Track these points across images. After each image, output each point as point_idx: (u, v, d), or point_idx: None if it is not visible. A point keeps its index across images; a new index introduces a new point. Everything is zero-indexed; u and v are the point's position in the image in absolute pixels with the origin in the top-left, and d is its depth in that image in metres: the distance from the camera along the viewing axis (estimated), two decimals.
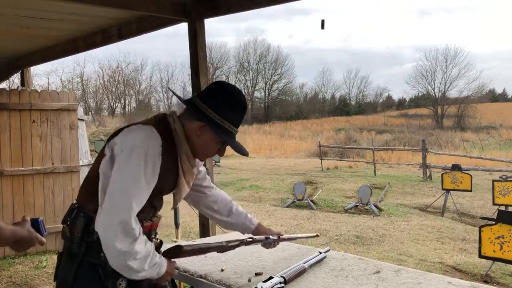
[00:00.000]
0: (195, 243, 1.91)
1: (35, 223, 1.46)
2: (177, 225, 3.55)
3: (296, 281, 1.88)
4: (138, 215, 1.53)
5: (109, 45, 4.82)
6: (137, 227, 1.49)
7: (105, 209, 1.47)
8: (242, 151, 1.72)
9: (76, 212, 1.63)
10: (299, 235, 2.32)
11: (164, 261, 1.63)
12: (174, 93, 1.89)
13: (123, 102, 49.38)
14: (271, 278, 1.79)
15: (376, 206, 9.32)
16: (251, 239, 1.97)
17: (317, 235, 2.45)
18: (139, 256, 1.48)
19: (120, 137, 1.60)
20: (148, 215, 1.71)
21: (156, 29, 4.04)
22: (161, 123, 1.66)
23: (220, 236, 2.85)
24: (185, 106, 1.75)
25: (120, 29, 4.33)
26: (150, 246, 1.55)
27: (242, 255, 2.29)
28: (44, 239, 1.46)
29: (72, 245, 1.60)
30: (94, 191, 1.58)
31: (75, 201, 1.70)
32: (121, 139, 1.58)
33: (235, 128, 1.71)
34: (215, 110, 1.65)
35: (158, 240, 1.82)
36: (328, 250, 2.27)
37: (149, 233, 1.71)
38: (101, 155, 1.63)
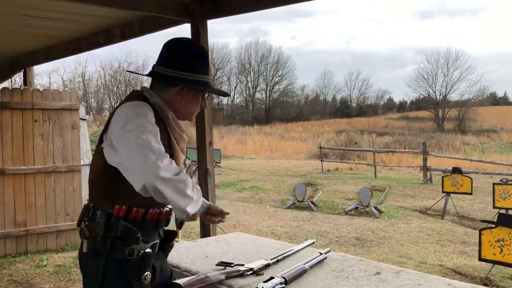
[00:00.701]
0: (193, 274, 1.93)
1: None
2: (178, 224, 3.54)
3: (297, 281, 1.89)
4: (145, 201, 1.56)
5: (112, 45, 4.84)
6: (173, 162, 1.52)
7: (139, 167, 1.46)
8: (222, 93, 1.85)
9: (92, 211, 1.62)
10: (296, 248, 2.32)
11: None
12: (133, 72, 1.91)
13: None
14: (272, 278, 1.80)
15: (376, 208, 9.32)
16: (250, 270, 1.97)
17: (313, 242, 2.47)
18: (190, 183, 1.52)
19: (114, 121, 1.58)
20: (157, 203, 1.62)
21: (158, 29, 4.05)
22: (142, 98, 1.65)
23: (220, 237, 2.86)
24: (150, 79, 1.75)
25: (123, 30, 4.35)
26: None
27: (244, 256, 2.30)
28: None
29: (96, 243, 1.59)
30: (105, 185, 1.60)
31: (87, 201, 1.71)
32: (117, 121, 1.56)
33: (207, 76, 1.73)
34: (184, 69, 1.67)
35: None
36: (329, 251, 2.28)
37: (157, 222, 1.68)
38: (98, 150, 1.62)
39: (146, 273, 1.60)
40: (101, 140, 1.63)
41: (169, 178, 1.46)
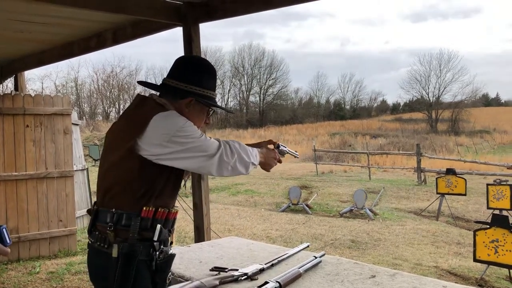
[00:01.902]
0: (186, 280, 1.94)
1: None
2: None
3: (291, 286, 1.87)
4: (167, 202, 1.71)
5: (104, 49, 4.81)
6: (220, 142, 1.70)
7: (201, 159, 1.64)
8: (227, 110, 1.98)
9: (117, 216, 1.64)
10: (290, 252, 2.32)
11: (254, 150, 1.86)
12: (145, 83, 1.97)
13: (117, 107, 49.27)
14: (266, 283, 1.78)
15: (371, 210, 9.32)
16: (244, 275, 1.96)
17: (307, 246, 2.46)
18: (247, 153, 1.77)
19: (160, 129, 1.63)
20: (174, 202, 1.80)
21: (151, 33, 4.03)
22: (161, 107, 1.71)
23: (214, 241, 2.84)
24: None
25: (115, 34, 4.32)
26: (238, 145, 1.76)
27: (238, 260, 2.28)
28: (8, 249, 1.43)
29: (130, 246, 1.61)
30: (136, 189, 1.64)
31: (96, 207, 1.73)
32: (164, 127, 1.63)
33: (214, 92, 1.86)
34: (194, 84, 1.77)
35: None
36: (323, 255, 2.26)
37: (174, 221, 1.78)
38: (128, 157, 1.64)
39: (170, 273, 1.74)
40: (130, 148, 1.63)
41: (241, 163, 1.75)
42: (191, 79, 1.77)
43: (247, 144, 1.97)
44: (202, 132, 1.71)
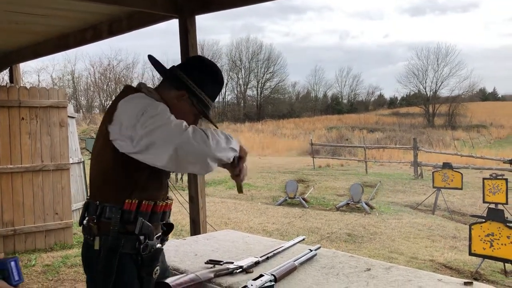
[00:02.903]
0: (181, 273, 1.90)
1: (3, 266, 1.35)
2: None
3: (287, 279, 1.87)
4: (154, 195, 1.65)
5: (100, 42, 4.77)
6: (192, 128, 1.53)
7: (162, 145, 1.48)
8: (212, 122, 1.85)
9: (100, 207, 1.62)
10: (286, 245, 2.31)
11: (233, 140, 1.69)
12: (155, 61, 1.83)
13: None
14: (261, 276, 1.77)
15: (367, 204, 9.35)
16: (240, 268, 1.95)
17: (303, 239, 2.46)
18: (220, 145, 1.57)
19: (125, 112, 1.56)
20: (162, 194, 1.74)
21: (146, 25, 4.00)
22: (136, 91, 1.67)
23: (210, 234, 2.83)
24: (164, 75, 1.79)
25: (111, 25, 4.28)
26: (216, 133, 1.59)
27: (234, 253, 2.28)
28: None
29: (110, 239, 1.59)
30: (117, 180, 1.60)
31: (87, 199, 1.71)
32: (131, 111, 1.54)
33: (210, 100, 1.78)
34: (195, 81, 1.73)
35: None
36: (319, 248, 2.26)
37: (164, 213, 1.73)
38: (105, 146, 1.60)
39: (157, 267, 1.67)
40: (105, 137, 1.60)
41: (209, 151, 1.54)
42: (196, 76, 1.74)
43: None
44: (171, 115, 1.57)
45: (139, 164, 1.57)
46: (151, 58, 1.87)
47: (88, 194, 1.79)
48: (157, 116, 1.52)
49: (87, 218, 1.67)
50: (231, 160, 1.69)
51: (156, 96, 1.68)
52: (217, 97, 1.89)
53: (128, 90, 1.70)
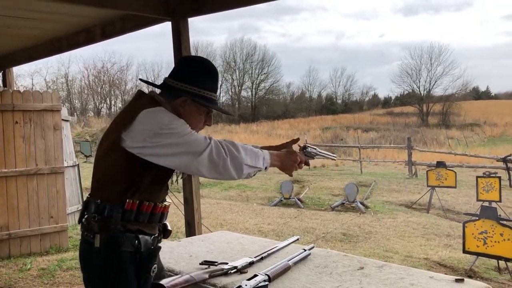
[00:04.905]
0: (176, 274, 1.93)
1: None
2: None
3: (281, 278, 1.89)
4: (155, 196, 1.70)
5: (94, 44, 4.78)
6: (212, 140, 1.62)
7: (186, 157, 1.58)
8: (226, 112, 1.90)
9: (102, 206, 1.65)
10: (280, 245, 2.34)
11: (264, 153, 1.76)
12: (146, 81, 1.96)
13: (108, 103, 48.98)
14: (255, 276, 1.79)
15: (362, 203, 9.38)
16: (234, 268, 1.97)
17: (297, 239, 2.48)
18: (243, 155, 1.65)
19: (147, 122, 1.61)
20: (162, 196, 1.78)
21: (139, 28, 4.01)
22: (156, 104, 1.70)
23: (205, 236, 2.85)
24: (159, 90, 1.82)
25: (104, 29, 4.30)
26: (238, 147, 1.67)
27: (228, 254, 2.29)
28: None
29: (112, 237, 1.63)
30: (123, 182, 1.64)
31: (88, 197, 1.74)
32: (153, 123, 1.60)
33: (213, 93, 1.80)
34: (189, 83, 1.75)
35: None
36: (313, 247, 2.28)
37: (162, 215, 1.77)
38: (115, 150, 1.64)
39: (154, 265, 1.71)
40: (115, 141, 1.64)
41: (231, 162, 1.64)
42: (188, 78, 1.75)
43: (270, 146, 1.95)
44: (192, 131, 1.66)
45: (145, 170, 1.63)
46: (142, 80, 2.06)
47: (84, 196, 1.81)
48: (180, 132, 1.61)
49: (86, 216, 1.70)
50: (254, 174, 1.73)
51: (167, 106, 1.71)
52: (218, 86, 1.89)
53: (145, 99, 1.73)
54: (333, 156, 2.16)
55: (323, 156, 2.07)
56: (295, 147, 1.98)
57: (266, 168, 1.76)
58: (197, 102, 1.75)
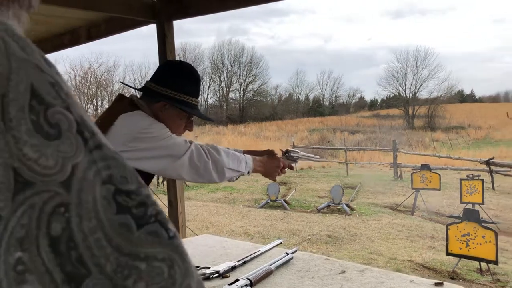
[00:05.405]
0: None
1: None
2: None
3: (262, 283, 1.89)
4: None
5: (80, 45, 4.74)
6: (192, 144, 1.62)
7: (167, 161, 1.58)
8: (207, 118, 1.87)
9: None
10: (263, 249, 2.34)
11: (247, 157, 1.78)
12: (126, 84, 1.96)
13: (95, 104, 48.59)
14: (237, 280, 1.80)
15: (348, 205, 9.44)
16: (216, 273, 1.97)
17: (280, 242, 2.49)
18: (224, 158, 1.67)
19: (125, 127, 1.60)
20: None
21: (125, 30, 3.99)
22: (135, 107, 1.69)
23: (188, 239, 2.84)
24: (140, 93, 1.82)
25: (89, 30, 4.26)
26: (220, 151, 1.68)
27: (211, 258, 2.29)
28: None
29: None
30: None
31: None
32: (128, 127, 1.59)
33: (194, 98, 1.79)
34: (170, 87, 1.73)
35: None
36: (295, 251, 2.29)
37: None
38: None
39: None
40: None
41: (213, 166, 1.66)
42: (168, 82, 1.74)
43: (251, 151, 1.94)
44: (172, 134, 1.65)
45: None
46: (123, 83, 1.98)
47: None
48: (158, 136, 1.60)
49: None
50: (236, 178, 1.76)
51: (147, 110, 1.70)
52: (200, 91, 1.88)
53: (125, 103, 1.71)
54: (316, 158, 2.17)
55: (306, 158, 2.09)
56: (278, 152, 1.99)
57: (248, 173, 1.77)
58: (176, 107, 1.74)
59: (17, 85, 0.32)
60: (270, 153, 1.95)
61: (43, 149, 0.32)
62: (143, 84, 1.85)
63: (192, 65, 1.92)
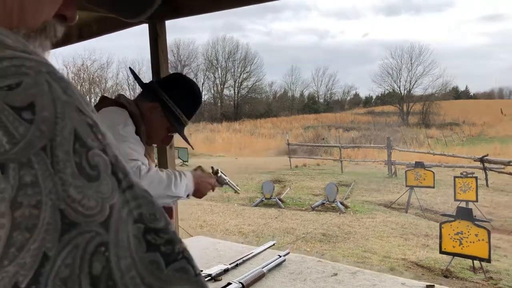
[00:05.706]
0: None
1: None
2: None
3: (255, 286, 1.89)
4: None
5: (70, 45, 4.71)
6: (144, 167, 1.56)
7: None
8: (187, 140, 1.87)
9: None
10: (256, 251, 2.34)
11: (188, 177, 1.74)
12: (134, 75, 1.92)
13: (88, 100, 48.36)
14: (229, 284, 1.79)
15: (342, 203, 9.46)
16: (208, 276, 1.97)
17: (273, 244, 2.49)
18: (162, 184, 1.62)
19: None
20: None
21: (116, 30, 3.95)
22: (120, 105, 1.70)
23: (184, 241, 2.83)
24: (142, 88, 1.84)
25: (80, 30, 4.23)
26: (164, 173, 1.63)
27: (204, 260, 2.29)
28: None
29: None
30: None
31: None
32: (103, 119, 1.58)
33: (186, 119, 1.81)
34: (170, 96, 1.76)
35: None
36: (288, 253, 2.29)
37: None
38: None
39: None
40: None
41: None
42: (172, 91, 1.77)
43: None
44: (139, 149, 1.62)
45: None
46: (132, 71, 1.93)
47: None
48: (124, 137, 1.58)
49: None
50: (173, 203, 1.78)
51: (134, 108, 1.71)
52: (193, 115, 1.88)
53: (108, 102, 1.71)
54: (238, 189, 2.14)
55: (230, 185, 2.05)
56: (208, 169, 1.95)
57: (183, 197, 1.75)
58: (165, 116, 1.75)
59: (62, 129, 0.34)
60: (200, 169, 1.90)
61: (85, 190, 0.33)
62: (137, 83, 1.87)
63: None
